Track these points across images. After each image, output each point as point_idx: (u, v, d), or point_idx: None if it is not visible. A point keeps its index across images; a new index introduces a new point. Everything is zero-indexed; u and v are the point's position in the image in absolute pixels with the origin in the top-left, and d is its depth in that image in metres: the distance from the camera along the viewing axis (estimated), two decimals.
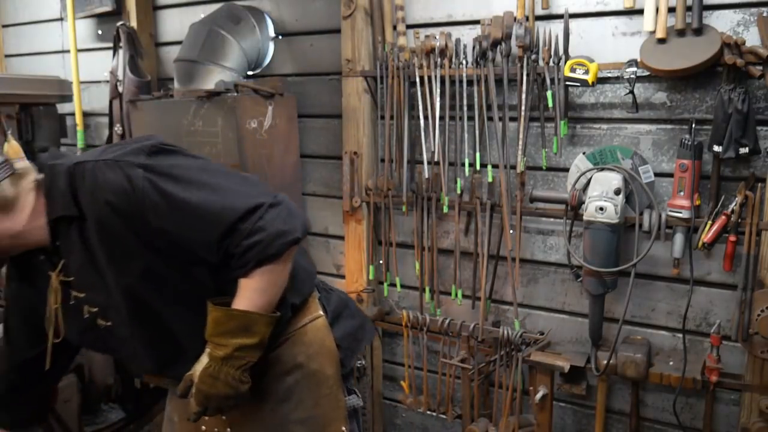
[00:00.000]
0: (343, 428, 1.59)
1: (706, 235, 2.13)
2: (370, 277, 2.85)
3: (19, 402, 1.67)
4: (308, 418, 1.56)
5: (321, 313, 1.60)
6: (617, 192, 2.19)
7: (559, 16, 2.35)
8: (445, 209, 2.60)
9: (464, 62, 2.46)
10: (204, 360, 1.39)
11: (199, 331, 1.40)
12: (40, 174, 1.39)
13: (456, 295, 2.68)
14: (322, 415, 1.57)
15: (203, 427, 1.61)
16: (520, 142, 2.40)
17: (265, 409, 1.55)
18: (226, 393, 1.38)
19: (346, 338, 1.64)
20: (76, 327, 1.49)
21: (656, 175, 2.28)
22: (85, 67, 3.61)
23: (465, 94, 2.48)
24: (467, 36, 2.52)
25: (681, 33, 2.11)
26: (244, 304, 1.36)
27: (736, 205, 2.10)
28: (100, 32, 3.70)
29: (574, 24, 2.34)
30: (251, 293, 1.37)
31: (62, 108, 3.66)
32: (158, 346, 1.50)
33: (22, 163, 1.39)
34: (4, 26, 4.17)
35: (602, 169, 2.27)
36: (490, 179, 2.52)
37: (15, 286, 1.56)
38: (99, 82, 3.71)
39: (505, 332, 2.48)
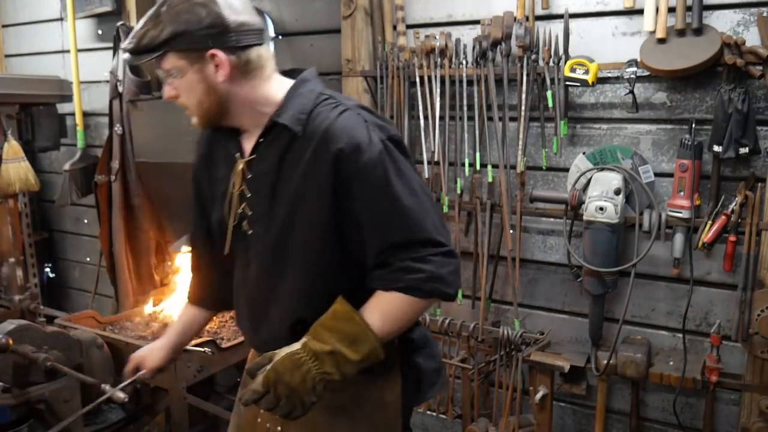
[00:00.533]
0: None
1: (706, 235, 2.13)
2: None
3: (212, 283, 1.70)
4: None
5: (395, 340, 1.47)
6: (617, 192, 2.19)
7: (559, 16, 2.35)
8: (445, 209, 2.60)
9: (464, 62, 2.46)
10: (296, 346, 1.31)
11: (289, 301, 1.41)
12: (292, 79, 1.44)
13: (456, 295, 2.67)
14: None
15: (258, 420, 1.56)
16: (520, 142, 2.40)
17: (318, 419, 1.45)
18: (296, 387, 1.28)
19: (419, 371, 1.53)
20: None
21: (656, 175, 2.28)
22: (85, 67, 3.60)
23: (465, 94, 2.48)
24: (467, 36, 2.52)
25: (681, 33, 2.11)
26: (368, 318, 1.32)
27: (736, 205, 2.10)
28: (100, 32, 3.70)
29: (574, 24, 2.34)
30: (380, 312, 1.33)
31: (62, 108, 3.66)
32: (258, 290, 1.47)
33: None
34: (4, 26, 4.17)
35: (602, 169, 2.27)
36: (490, 179, 2.52)
37: (199, 166, 1.59)
38: (99, 82, 3.71)
39: (505, 332, 2.48)
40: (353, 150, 1.30)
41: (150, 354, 1.72)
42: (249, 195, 1.43)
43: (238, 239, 1.47)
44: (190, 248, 1.77)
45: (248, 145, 1.44)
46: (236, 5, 1.35)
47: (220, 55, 1.33)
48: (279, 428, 1.52)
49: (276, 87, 1.42)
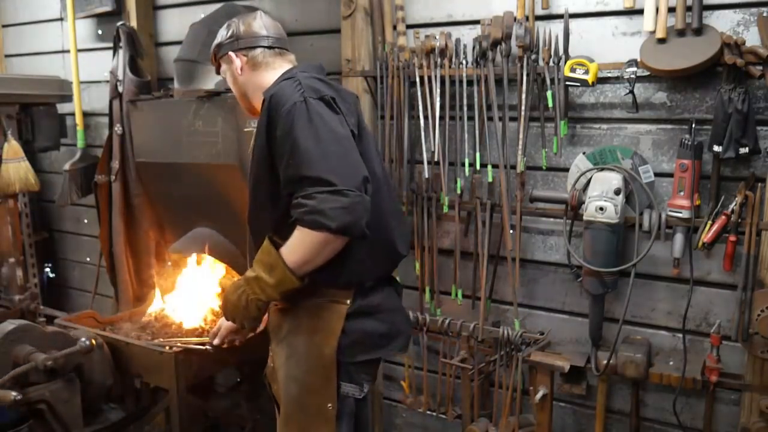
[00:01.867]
0: (330, 405, 1.78)
1: (706, 235, 2.13)
2: None
3: None
4: (301, 380, 1.81)
5: (347, 302, 1.80)
6: (617, 192, 2.19)
7: (559, 16, 2.35)
8: (445, 209, 2.60)
9: (464, 62, 2.46)
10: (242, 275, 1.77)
11: (255, 218, 1.86)
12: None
13: (456, 295, 2.68)
14: (312, 383, 1.79)
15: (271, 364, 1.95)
16: (520, 142, 2.40)
17: (281, 360, 1.86)
18: (236, 305, 1.75)
19: (359, 333, 1.81)
20: None
21: (656, 175, 2.28)
22: (85, 67, 3.60)
23: (465, 94, 2.48)
24: (467, 36, 2.52)
25: (681, 33, 2.11)
26: (283, 250, 1.66)
27: (736, 205, 2.10)
28: (100, 32, 3.70)
29: (574, 24, 2.34)
30: (288, 245, 1.66)
31: (62, 108, 3.66)
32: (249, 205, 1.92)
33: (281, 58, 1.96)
34: (4, 26, 4.17)
35: (602, 169, 2.27)
36: (490, 179, 2.52)
37: None
38: (99, 82, 3.71)
39: (505, 332, 2.48)
40: (276, 102, 1.69)
41: None
42: (252, 142, 1.87)
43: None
44: None
45: None
46: (250, 22, 1.94)
47: (233, 55, 1.93)
48: (271, 364, 1.93)
49: (270, 78, 1.88)
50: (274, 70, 1.91)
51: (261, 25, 1.95)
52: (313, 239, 1.61)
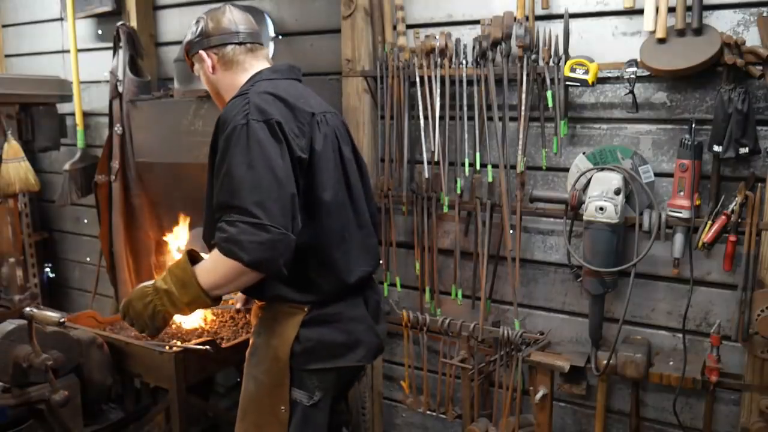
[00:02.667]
0: (283, 408, 1.79)
1: (706, 235, 2.13)
2: None
3: None
4: (259, 379, 1.82)
5: (305, 309, 1.79)
6: (617, 192, 2.19)
7: (559, 16, 2.35)
8: (445, 209, 2.60)
9: (464, 62, 2.46)
10: (149, 282, 1.72)
11: (206, 232, 1.79)
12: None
13: (456, 295, 2.68)
14: (267, 383, 1.81)
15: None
16: (520, 142, 2.40)
17: (248, 355, 1.89)
18: (139, 312, 1.69)
19: (314, 342, 1.78)
20: None
21: (656, 175, 2.28)
22: (85, 67, 3.61)
23: (465, 94, 2.48)
24: (467, 36, 2.52)
25: (681, 33, 2.11)
26: (198, 268, 1.64)
27: (736, 205, 2.10)
28: (100, 32, 3.70)
29: (574, 24, 2.34)
30: (205, 265, 1.65)
31: (62, 108, 3.66)
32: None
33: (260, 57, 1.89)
34: (4, 26, 4.17)
35: (602, 169, 2.27)
36: (490, 179, 2.52)
37: None
38: (99, 82, 3.71)
39: (505, 332, 2.48)
40: (222, 122, 1.68)
41: None
42: None
43: None
44: None
45: None
46: (219, 18, 1.84)
47: (203, 54, 1.86)
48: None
49: (242, 79, 1.84)
50: (246, 71, 1.85)
51: (231, 20, 1.84)
52: (227, 267, 1.58)
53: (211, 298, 1.64)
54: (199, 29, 1.85)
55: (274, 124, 1.62)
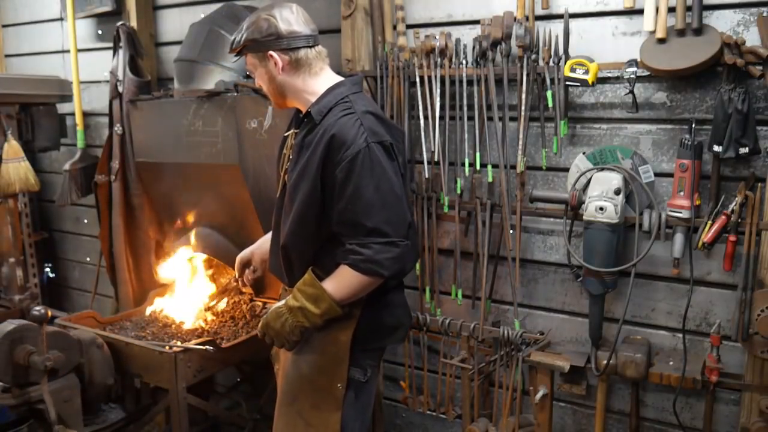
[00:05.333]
0: (339, 385, 1.91)
1: (706, 235, 2.13)
2: None
3: None
4: (313, 361, 1.93)
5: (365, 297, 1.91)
6: (617, 192, 2.19)
7: (559, 16, 2.35)
8: (445, 209, 2.60)
9: (464, 62, 2.46)
10: (281, 302, 1.88)
11: (296, 242, 1.88)
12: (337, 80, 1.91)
13: (456, 295, 2.68)
14: (324, 364, 1.92)
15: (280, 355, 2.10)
16: (520, 142, 2.40)
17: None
18: (279, 331, 1.85)
19: (374, 323, 1.94)
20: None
21: (656, 175, 2.28)
22: (85, 67, 3.61)
23: (465, 94, 2.48)
24: (467, 36, 2.52)
25: (681, 33, 2.11)
26: (328, 285, 1.81)
27: (736, 205, 2.10)
28: (100, 32, 3.70)
29: (574, 24, 2.34)
30: (336, 281, 1.81)
31: (62, 108, 3.67)
32: (277, 228, 1.98)
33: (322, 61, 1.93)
34: (4, 26, 4.17)
35: (602, 169, 2.27)
36: (490, 179, 2.52)
37: (284, 138, 2.06)
38: (99, 82, 3.71)
39: (505, 332, 2.48)
40: (339, 145, 1.74)
41: (258, 248, 2.22)
42: (290, 157, 1.92)
43: (283, 187, 1.97)
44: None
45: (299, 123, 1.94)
46: (289, 18, 1.84)
47: (275, 54, 1.84)
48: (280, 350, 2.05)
49: (321, 83, 1.89)
50: (316, 74, 1.89)
51: (302, 21, 1.86)
52: (364, 282, 1.79)
53: (341, 308, 1.83)
54: (270, 28, 1.82)
55: (388, 145, 1.80)
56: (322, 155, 1.76)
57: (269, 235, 2.13)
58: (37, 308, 2.25)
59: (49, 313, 2.31)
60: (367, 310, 1.91)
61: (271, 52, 1.84)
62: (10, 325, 2.28)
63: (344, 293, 1.81)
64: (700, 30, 2.07)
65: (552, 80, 2.30)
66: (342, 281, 1.80)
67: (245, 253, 2.24)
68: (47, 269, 4.19)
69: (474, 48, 2.44)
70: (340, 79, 1.92)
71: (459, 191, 2.57)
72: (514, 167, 2.45)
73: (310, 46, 1.87)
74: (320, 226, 1.84)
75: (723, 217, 2.11)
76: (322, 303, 1.81)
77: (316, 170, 1.77)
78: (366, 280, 1.78)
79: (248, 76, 2.99)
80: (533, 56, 2.34)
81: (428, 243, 2.67)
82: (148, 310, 2.97)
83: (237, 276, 2.28)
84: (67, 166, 3.49)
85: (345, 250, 1.78)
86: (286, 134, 2.04)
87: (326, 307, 1.81)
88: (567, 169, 2.41)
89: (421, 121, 2.58)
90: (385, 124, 1.85)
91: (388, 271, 1.76)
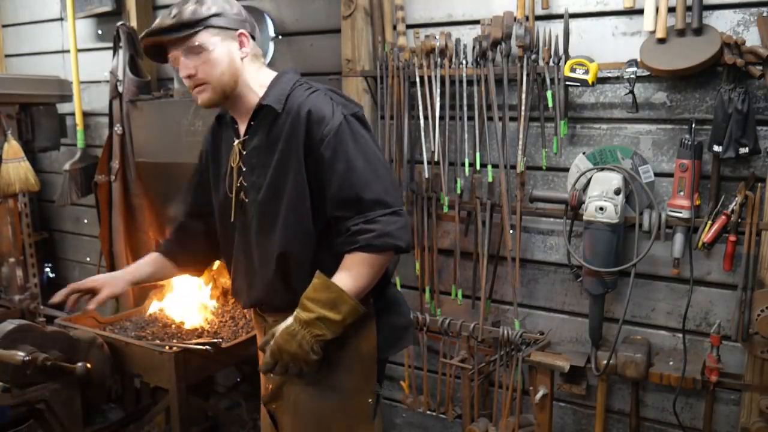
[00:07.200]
0: (370, 400, 1.77)
1: (706, 235, 2.13)
2: None
3: (188, 247, 1.98)
4: (340, 386, 1.73)
5: (371, 301, 1.73)
6: (617, 192, 2.19)
7: (559, 16, 2.35)
8: (445, 209, 2.60)
9: (464, 62, 2.46)
10: (289, 320, 1.59)
11: (274, 259, 1.66)
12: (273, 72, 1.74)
13: (456, 295, 2.68)
14: (354, 385, 1.75)
15: (269, 385, 1.82)
16: (520, 142, 2.40)
17: (304, 374, 1.69)
18: (296, 353, 1.57)
19: (389, 328, 1.80)
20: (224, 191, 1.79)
21: (656, 175, 2.28)
22: (85, 67, 3.61)
23: (465, 94, 2.48)
24: (467, 36, 2.52)
25: (681, 33, 2.11)
26: (341, 281, 1.58)
27: (736, 205, 2.10)
28: (100, 32, 3.70)
29: (574, 24, 2.34)
30: (348, 274, 1.59)
31: (62, 108, 3.66)
32: (253, 251, 1.74)
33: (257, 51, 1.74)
34: (4, 26, 4.17)
35: (602, 169, 2.27)
36: (490, 179, 2.52)
37: (206, 154, 1.89)
38: (99, 82, 3.71)
39: (505, 332, 2.48)
40: (318, 120, 1.59)
41: (112, 281, 1.91)
42: (244, 169, 1.71)
43: (238, 208, 1.74)
44: (182, 219, 2.01)
45: (242, 129, 1.73)
46: (241, 8, 1.69)
47: (247, 36, 1.67)
48: (271, 375, 1.74)
49: (265, 76, 1.72)
50: (263, 67, 1.75)
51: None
52: (378, 263, 1.60)
53: (361, 305, 1.60)
54: (237, 8, 1.67)
55: (362, 116, 1.67)
56: (301, 138, 1.59)
57: (131, 269, 1.96)
58: (80, 364, 2.27)
59: (88, 366, 2.32)
60: (380, 315, 1.77)
61: (242, 31, 1.66)
62: (10, 325, 2.29)
63: (361, 284, 1.60)
64: (700, 30, 2.07)
65: (552, 80, 2.30)
66: (355, 270, 1.59)
67: (98, 279, 1.90)
68: (47, 269, 4.18)
69: (474, 48, 2.44)
70: (274, 72, 1.76)
71: (459, 191, 2.57)
72: (514, 167, 2.45)
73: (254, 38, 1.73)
74: (315, 219, 1.65)
75: (723, 217, 2.11)
76: (343, 306, 1.57)
77: (297, 158, 1.61)
78: (381, 259, 1.59)
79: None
80: (533, 56, 2.34)
81: (428, 243, 2.67)
82: (148, 310, 2.97)
83: (60, 297, 1.87)
84: (67, 166, 3.49)
85: (349, 234, 1.58)
86: (204, 152, 1.87)
87: (348, 310, 1.58)
88: (567, 169, 2.41)
89: (421, 121, 2.58)
90: (347, 99, 1.72)
91: (402, 242, 1.58)
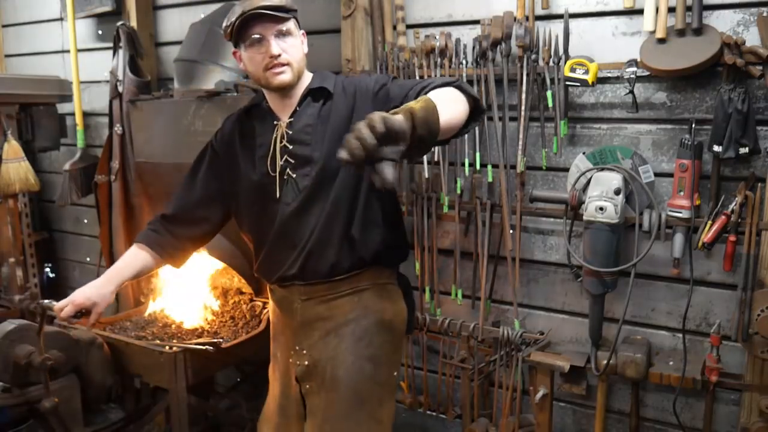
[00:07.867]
0: (395, 373, 1.95)
1: (706, 235, 2.13)
2: None
3: (173, 238, 2.08)
4: (375, 357, 1.89)
5: (395, 282, 2.01)
6: (617, 192, 2.19)
7: (559, 16, 2.35)
8: (445, 209, 2.60)
9: (464, 62, 2.46)
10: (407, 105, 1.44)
11: (329, 224, 1.82)
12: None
13: (456, 295, 2.68)
14: (383, 355, 1.90)
15: (290, 360, 1.95)
16: (520, 142, 2.40)
17: (341, 347, 1.87)
18: (424, 107, 1.39)
19: (410, 307, 2.04)
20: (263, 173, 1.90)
21: (656, 175, 2.29)
22: (85, 67, 3.60)
23: None
24: (467, 36, 2.52)
25: (681, 33, 2.11)
26: (434, 97, 1.48)
27: (736, 205, 2.10)
28: (100, 32, 3.70)
29: (574, 24, 2.34)
30: (439, 93, 1.58)
31: (62, 108, 3.66)
32: (296, 225, 1.86)
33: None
34: (4, 26, 4.17)
35: (602, 169, 2.27)
36: (490, 179, 2.52)
37: (223, 143, 2.04)
38: (99, 82, 3.71)
39: (505, 332, 2.48)
40: (367, 80, 1.87)
41: (100, 299, 1.93)
42: (290, 147, 1.85)
43: (284, 184, 1.86)
44: (172, 209, 2.13)
45: (284, 115, 1.90)
46: None
47: (305, 37, 1.91)
48: (306, 362, 1.90)
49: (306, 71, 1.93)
50: None
51: None
52: (464, 107, 1.63)
53: (438, 112, 1.43)
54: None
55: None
56: (359, 101, 1.83)
57: (113, 273, 1.99)
58: (12, 321, 2.25)
59: (56, 400, 2.31)
60: (407, 296, 2.02)
61: (303, 31, 1.91)
62: (10, 325, 2.29)
63: (449, 111, 1.50)
64: (700, 30, 2.07)
65: (552, 80, 2.30)
66: (442, 96, 1.55)
67: (86, 296, 1.91)
68: (47, 269, 4.18)
69: (474, 48, 2.44)
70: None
71: (459, 191, 2.57)
72: (514, 167, 2.45)
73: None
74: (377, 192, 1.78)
75: (723, 217, 2.11)
76: (434, 122, 1.40)
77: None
78: (465, 103, 1.63)
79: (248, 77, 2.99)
80: (533, 56, 2.34)
81: (428, 243, 2.67)
82: (148, 310, 2.97)
83: (65, 318, 1.90)
84: (67, 166, 3.49)
85: (428, 89, 1.65)
86: (222, 141, 2.04)
87: (425, 106, 1.40)
88: (567, 169, 2.41)
89: None
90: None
91: (474, 93, 1.69)
